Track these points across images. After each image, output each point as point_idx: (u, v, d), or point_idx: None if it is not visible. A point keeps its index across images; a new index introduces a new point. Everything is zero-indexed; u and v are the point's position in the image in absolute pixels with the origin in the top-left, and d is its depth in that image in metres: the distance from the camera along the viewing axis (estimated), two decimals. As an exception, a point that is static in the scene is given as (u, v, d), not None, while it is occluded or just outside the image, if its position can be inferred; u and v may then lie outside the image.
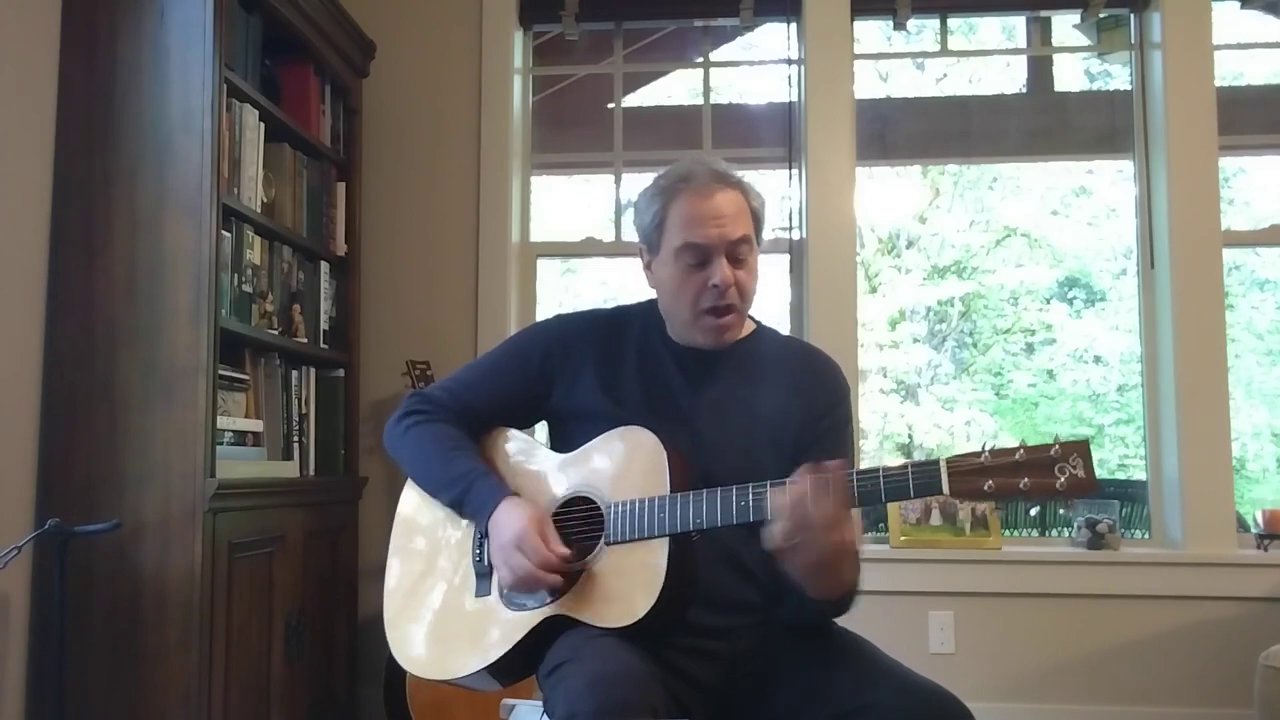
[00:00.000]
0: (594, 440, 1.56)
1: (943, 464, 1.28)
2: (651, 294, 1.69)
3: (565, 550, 1.46)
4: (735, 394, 1.60)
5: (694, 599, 1.45)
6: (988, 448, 1.27)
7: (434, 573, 1.62)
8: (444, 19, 3.43)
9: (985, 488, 1.26)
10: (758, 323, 1.71)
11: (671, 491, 1.45)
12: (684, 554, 1.44)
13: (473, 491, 1.56)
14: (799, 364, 1.66)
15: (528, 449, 1.66)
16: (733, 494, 1.40)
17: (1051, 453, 1.25)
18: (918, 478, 1.29)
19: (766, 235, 1.65)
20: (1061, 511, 3.39)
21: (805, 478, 1.31)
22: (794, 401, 1.59)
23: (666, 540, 1.43)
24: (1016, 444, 1.27)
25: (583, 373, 1.63)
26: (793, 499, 1.30)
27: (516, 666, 1.51)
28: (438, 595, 1.60)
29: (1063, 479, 1.24)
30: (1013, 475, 1.26)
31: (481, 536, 1.58)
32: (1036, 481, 1.24)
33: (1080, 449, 1.24)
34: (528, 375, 1.66)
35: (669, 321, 1.65)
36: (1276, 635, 2.65)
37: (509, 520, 1.49)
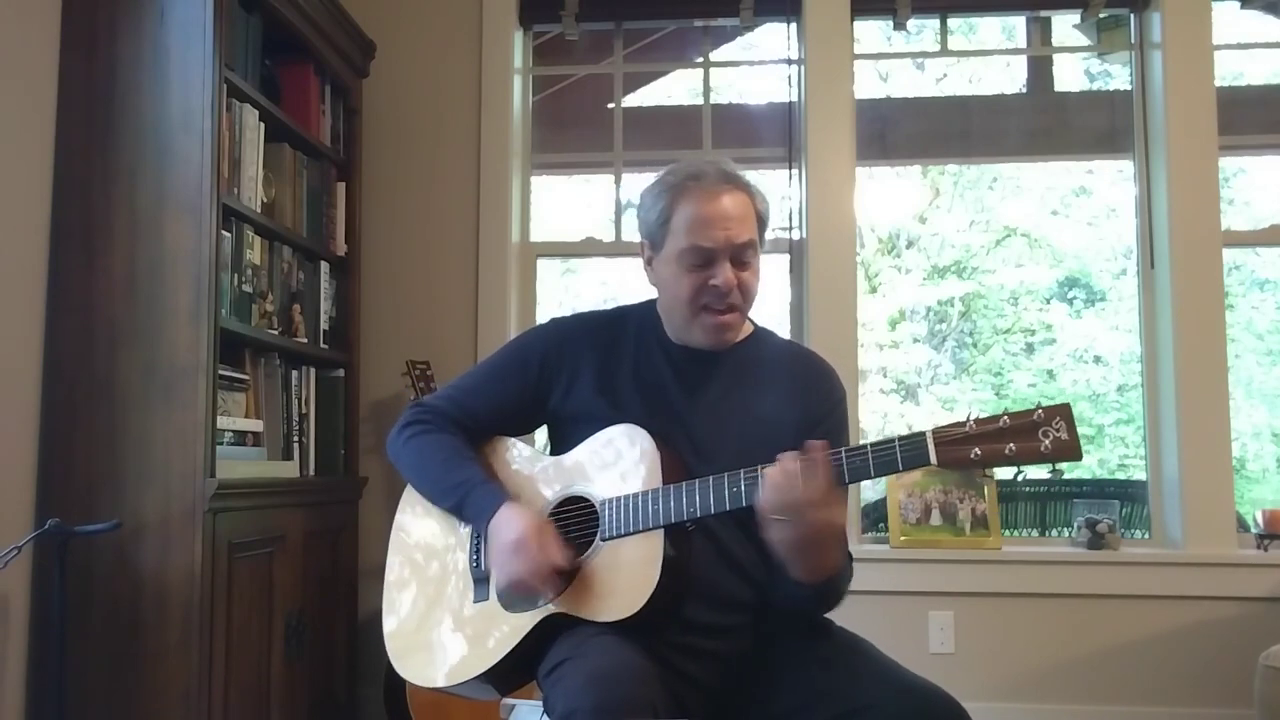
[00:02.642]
0: (587, 441, 1.57)
1: (929, 435, 1.30)
2: (650, 294, 1.69)
3: (562, 556, 1.46)
4: (731, 396, 1.60)
5: (691, 590, 1.46)
6: (972, 416, 1.29)
7: (432, 580, 1.63)
8: (444, 19, 3.43)
9: (972, 455, 1.27)
10: (755, 325, 1.71)
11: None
12: (679, 545, 1.44)
13: (471, 497, 1.57)
14: (796, 368, 1.66)
15: (523, 454, 1.67)
16: (724, 481, 1.40)
17: (1035, 417, 1.26)
18: (905, 450, 1.30)
19: (766, 235, 1.65)
20: (1066, 509, 3.38)
21: (794, 457, 1.33)
22: (791, 405, 1.59)
23: (661, 532, 1.43)
24: (1000, 412, 1.28)
25: (580, 375, 1.63)
26: (783, 470, 1.32)
27: (516, 670, 1.51)
28: (436, 603, 1.60)
29: (1047, 442, 1.25)
30: (998, 441, 1.27)
31: (478, 541, 1.59)
32: (1022, 446, 1.26)
33: (1062, 411, 1.26)
34: (526, 379, 1.66)
35: (667, 320, 1.65)
36: (1276, 635, 2.65)
37: (507, 526, 1.49)
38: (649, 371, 1.62)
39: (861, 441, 1.36)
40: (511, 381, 1.67)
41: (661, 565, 1.41)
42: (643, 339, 1.66)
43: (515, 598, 1.50)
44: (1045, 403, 1.27)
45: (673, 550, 1.43)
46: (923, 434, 1.30)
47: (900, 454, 1.31)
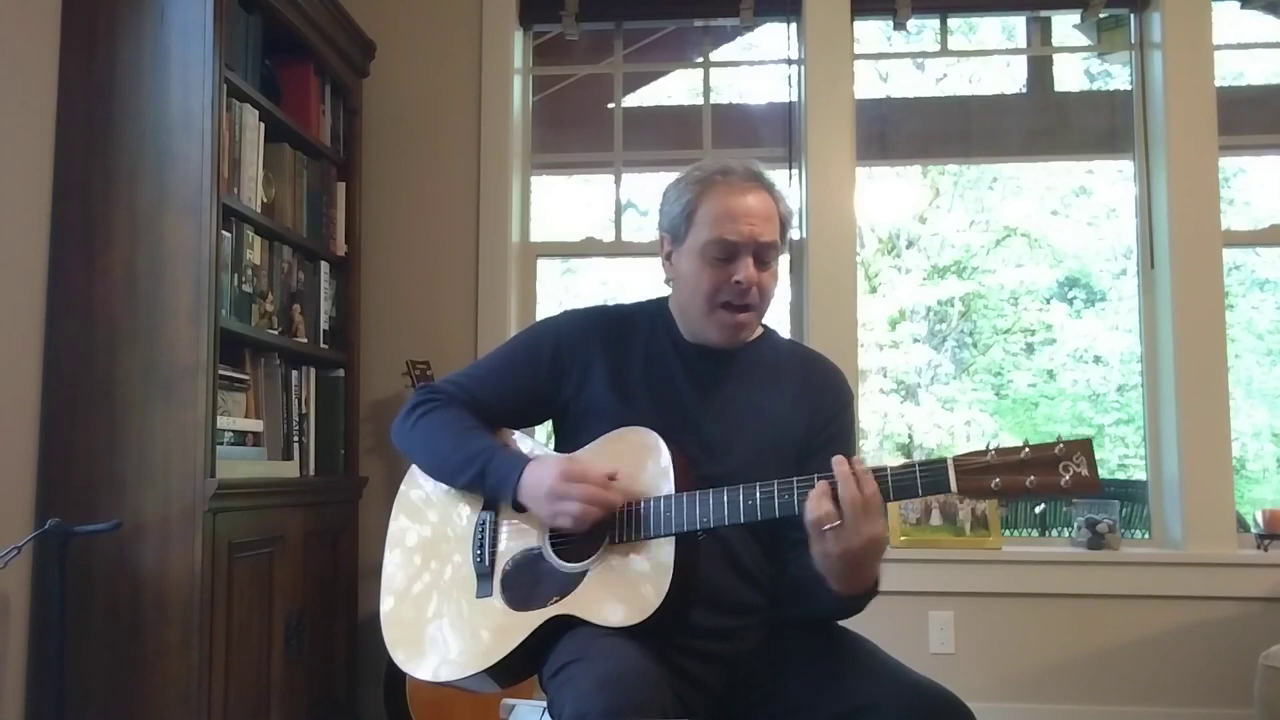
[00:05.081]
0: (597, 440, 1.55)
1: (950, 463, 1.29)
2: (660, 292, 1.68)
3: (606, 472, 1.46)
4: (741, 396, 1.59)
5: (699, 597, 1.45)
6: (993, 446, 1.29)
7: (432, 576, 1.61)
8: (444, 19, 3.43)
9: (992, 485, 1.27)
10: (763, 326, 1.71)
11: (676, 491, 1.44)
12: (689, 551, 1.43)
13: (493, 465, 1.54)
14: (805, 369, 1.65)
15: (530, 450, 1.65)
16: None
17: (1056, 451, 1.26)
18: (925, 476, 1.30)
19: (787, 240, 1.64)
20: (1066, 509, 3.38)
21: (844, 460, 1.32)
22: (799, 406, 1.59)
23: (672, 538, 1.42)
24: (1020, 443, 1.28)
25: (592, 370, 1.62)
26: (839, 477, 1.30)
27: (519, 667, 1.50)
28: (437, 598, 1.59)
29: (1067, 477, 1.25)
30: (1018, 473, 1.27)
31: (481, 535, 1.57)
32: (1042, 479, 1.26)
33: (1083, 447, 1.25)
34: (537, 371, 1.64)
35: (682, 316, 1.63)
36: (1276, 635, 2.65)
37: (540, 475, 1.48)
38: (660, 370, 1.61)
39: (881, 462, 1.35)
40: (522, 374, 1.65)
41: (673, 572, 1.40)
42: (655, 336, 1.64)
43: (576, 538, 1.47)
44: (1066, 436, 1.27)
45: (683, 557, 1.42)
46: (944, 461, 1.29)
47: (920, 480, 1.30)
